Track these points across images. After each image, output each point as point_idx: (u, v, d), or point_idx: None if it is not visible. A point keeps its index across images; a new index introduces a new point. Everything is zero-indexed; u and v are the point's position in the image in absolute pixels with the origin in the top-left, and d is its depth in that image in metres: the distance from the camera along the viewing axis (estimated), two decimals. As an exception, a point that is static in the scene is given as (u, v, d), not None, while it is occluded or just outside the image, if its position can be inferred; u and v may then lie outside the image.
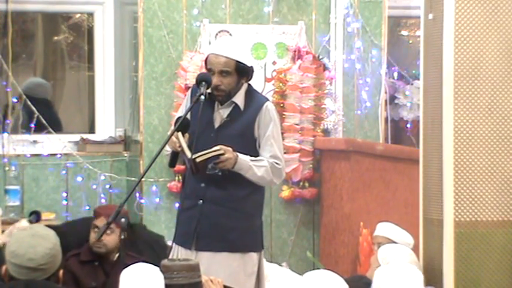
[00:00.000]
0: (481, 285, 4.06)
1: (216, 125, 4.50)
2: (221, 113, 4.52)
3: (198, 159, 4.31)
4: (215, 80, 4.44)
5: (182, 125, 4.39)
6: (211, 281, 3.88)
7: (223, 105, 4.52)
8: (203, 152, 4.33)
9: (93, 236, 5.14)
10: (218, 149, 4.35)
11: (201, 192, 4.46)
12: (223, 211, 4.44)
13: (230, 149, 4.37)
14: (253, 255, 4.51)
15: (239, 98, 4.51)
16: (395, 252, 4.40)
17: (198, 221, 4.45)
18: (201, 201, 4.45)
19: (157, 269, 3.70)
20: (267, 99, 4.66)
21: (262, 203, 4.64)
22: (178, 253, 4.50)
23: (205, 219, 4.44)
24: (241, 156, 4.41)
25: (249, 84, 4.60)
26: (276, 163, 4.48)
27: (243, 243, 4.48)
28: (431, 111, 4.19)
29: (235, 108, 4.51)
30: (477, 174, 4.05)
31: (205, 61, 4.55)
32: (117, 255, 5.13)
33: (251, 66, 4.53)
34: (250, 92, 4.58)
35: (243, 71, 4.47)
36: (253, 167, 4.43)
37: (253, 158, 4.45)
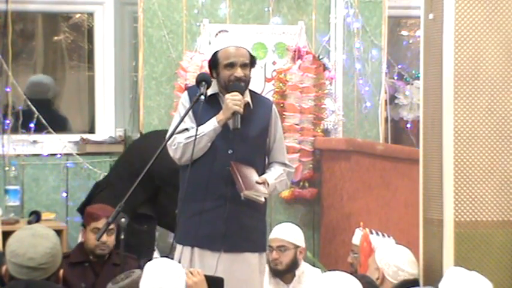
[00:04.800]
0: (481, 285, 4.05)
1: (231, 126, 4.40)
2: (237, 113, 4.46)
3: (245, 194, 4.27)
4: (239, 71, 4.37)
5: (240, 88, 4.37)
6: (191, 273, 3.89)
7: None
8: (254, 193, 4.30)
9: (92, 238, 5.10)
10: (265, 194, 4.34)
11: (225, 193, 4.37)
12: (247, 211, 4.42)
13: (266, 181, 4.38)
14: (264, 254, 4.57)
15: (247, 96, 4.47)
16: (393, 252, 4.39)
17: (225, 222, 4.39)
18: (226, 202, 4.38)
19: (180, 265, 3.73)
20: (270, 100, 4.73)
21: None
22: (193, 255, 4.42)
23: (232, 220, 4.39)
24: (270, 181, 4.41)
25: None
26: (290, 167, 4.56)
27: (261, 243, 4.52)
28: (431, 111, 4.18)
29: (247, 108, 4.45)
30: (477, 174, 4.05)
31: (215, 56, 4.43)
32: (107, 255, 5.17)
33: (255, 57, 4.53)
34: (252, 91, 4.56)
35: (253, 64, 4.48)
36: (277, 186, 4.48)
37: (275, 175, 4.46)
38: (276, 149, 4.53)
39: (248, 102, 4.44)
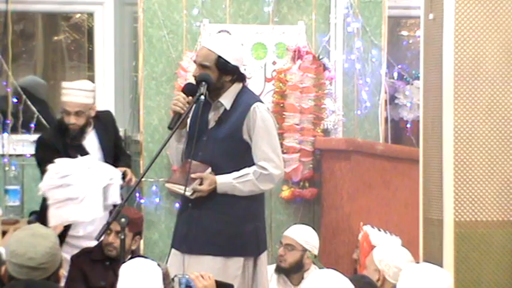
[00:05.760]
0: (481, 285, 4.06)
1: (209, 127, 4.48)
2: (213, 115, 4.49)
3: (166, 186, 4.52)
4: (195, 71, 4.46)
5: (191, 89, 4.41)
6: (202, 277, 3.89)
7: (213, 107, 4.48)
8: (175, 186, 4.44)
9: (104, 238, 5.02)
10: (189, 191, 4.38)
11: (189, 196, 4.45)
12: (211, 215, 4.43)
13: (209, 179, 4.38)
14: (238, 260, 4.47)
15: (227, 98, 4.46)
16: (391, 252, 4.39)
17: (187, 224, 4.47)
18: (190, 204, 4.45)
19: (155, 263, 3.71)
20: (257, 100, 4.53)
21: (256, 207, 4.57)
22: (172, 256, 4.53)
23: (194, 223, 4.45)
24: (221, 180, 4.40)
25: (244, 86, 4.55)
26: (264, 169, 4.42)
27: (228, 248, 4.45)
28: (431, 111, 4.18)
29: (224, 110, 4.47)
30: (477, 174, 4.05)
31: None
32: (129, 256, 5.07)
33: (235, 66, 4.41)
34: (243, 93, 4.51)
35: (223, 68, 4.39)
36: (237, 186, 4.41)
37: (236, 175, 4.41)
38: (253, 150, 4.45)
39: (222, 104, 4.45)
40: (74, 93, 5.53)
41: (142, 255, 5.37)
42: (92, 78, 6.95)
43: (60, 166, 5.26)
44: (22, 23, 7.08)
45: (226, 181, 4.40)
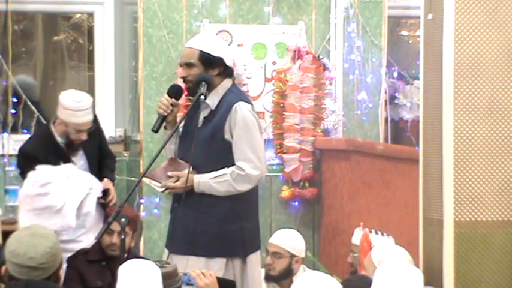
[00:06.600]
0: (481, 285, 4.05)
1: (199, 126, 4.50)
2: (202, 115, 4.50)
3: (144, 179, 4.57)
4: (181, 72, 4.54)
5: (175, 91, 4.52)
6: (203, 274, 3.89)
7: (202, 107, 4.49)
8: (152, 183, 4.52)
9: (105, 238, 5.04)
10: (161, 186, 4.47)
11: (177, 196, 4.50)
12: (194, 215, 4.45)
13: (185, 178, 4.39)
14: (221, 260, 4.48)
15: (213, 98, 4.47)
16: (390, 253, 4.39)
17: (174, 224, 4.51)
18: (176, 204, 4.51)
19: (154, 264, 3.71)
20: (241, 99, 4.51)
21: (243, 207, 4.56)
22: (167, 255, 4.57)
23: (179, 223, 4.48)
24: (199, 179, 4.42)
25: (234, 84, 4.56)
26: (241, 169, 4.42)
27: (210, 248, 4.46)
28: (431, 111, 4.18)
29: (211, 110, 4.49)
30: (477, 174, 4.05)
31: None
32: (126, 256, 5.06)
33: (218, 57, 4.45)
34: (229, 93, 4.52)
35: (208, 61, 4.43)
36: (214, 185, 4.42)
37: (214, 175, 4.42)
38: (233, 150, 4.46)
39: (207, 104, 4.47)
40: (84, 114, 5.25)
41: (140, 255, 5.37)
42: (92, 78, 6.97)
43: (40, 174, 5.19)
44: (22, 23, 7.08)
45: (204, 180, 4.43)
